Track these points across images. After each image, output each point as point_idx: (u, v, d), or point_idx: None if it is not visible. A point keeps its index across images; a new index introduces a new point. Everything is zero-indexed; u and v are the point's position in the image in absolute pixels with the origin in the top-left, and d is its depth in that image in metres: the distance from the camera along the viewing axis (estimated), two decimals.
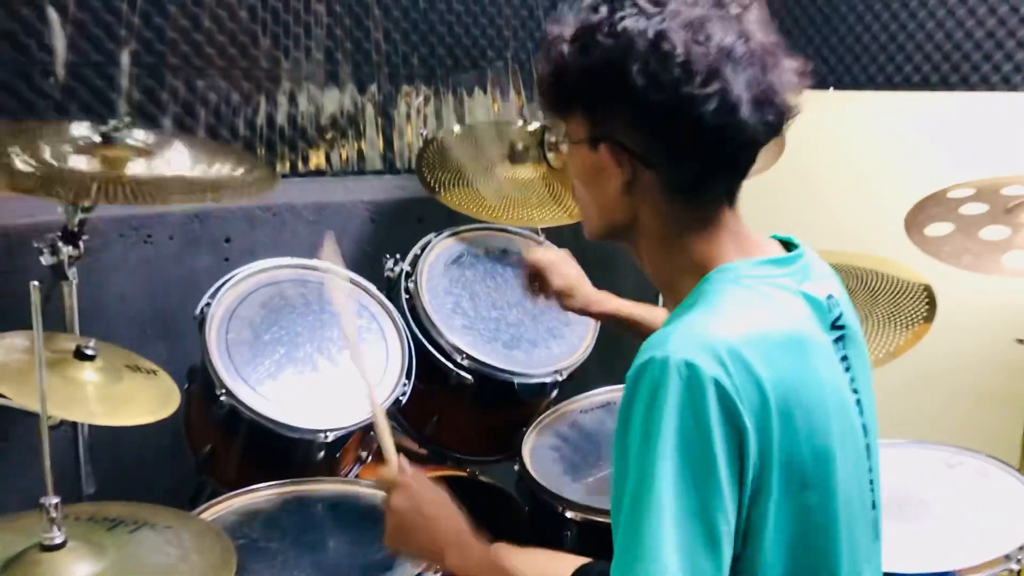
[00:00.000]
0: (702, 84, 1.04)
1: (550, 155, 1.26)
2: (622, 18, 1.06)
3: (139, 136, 1.90)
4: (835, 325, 1.16)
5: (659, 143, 1.10)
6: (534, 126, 2.43)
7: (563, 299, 1.80)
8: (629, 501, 1.01)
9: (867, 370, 1.22)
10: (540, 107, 1.18)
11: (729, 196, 1.16)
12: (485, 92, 2.81)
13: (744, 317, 1.07)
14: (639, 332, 1.73)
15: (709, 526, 0.99)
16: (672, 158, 1.11)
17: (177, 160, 1.91)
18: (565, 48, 1.10)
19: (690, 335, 1.03)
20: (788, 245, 1.22)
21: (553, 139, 1.23)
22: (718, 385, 1.00)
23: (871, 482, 1.20)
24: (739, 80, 1.05)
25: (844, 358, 1.16)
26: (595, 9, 1.09)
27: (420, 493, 1.30)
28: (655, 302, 2.62)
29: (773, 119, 1.10)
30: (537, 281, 1.81)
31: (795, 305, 1.12)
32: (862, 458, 1.18)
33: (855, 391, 1.18)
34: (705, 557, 0.98)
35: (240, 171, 1.93)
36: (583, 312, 1.82)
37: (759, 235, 1.21)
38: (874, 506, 1.21)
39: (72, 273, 1.79)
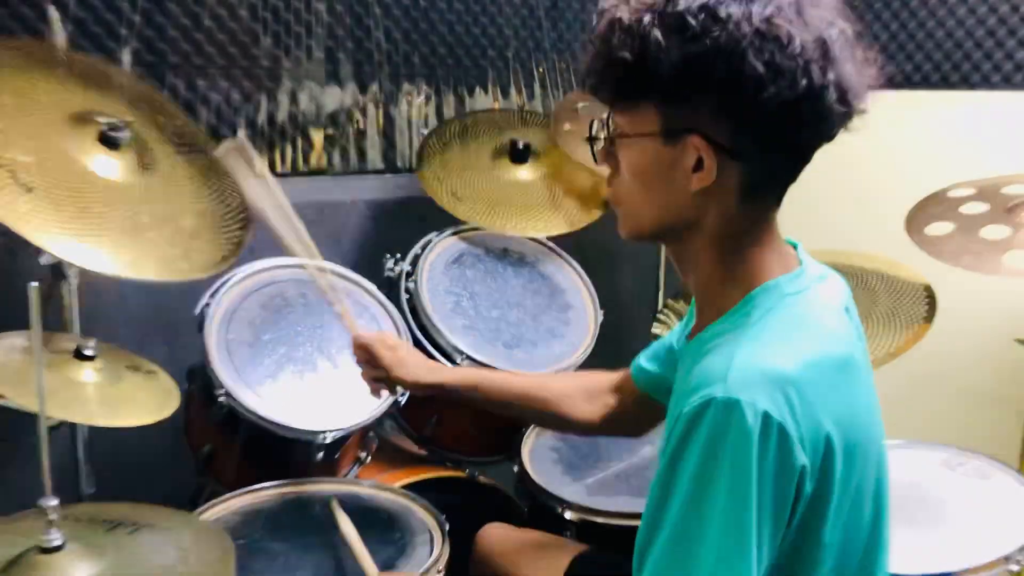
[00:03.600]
0: (820, 74, 0.99)
1: (596, 149, 1.18)
2: (720, 2, 0.99)
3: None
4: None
5: (749, 136, 1.03)
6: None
7: (392, 371, 1.61)
8: (669, 535, 1.00)
9: None
10: (595, 95, 1.11)
11: (780, 200, 1.12)
12: (486, 91, 2.81)
13: (800, 345, 1.03)
14: (488, 399, 1.61)
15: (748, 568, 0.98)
16: (759, 152, 1.04)
17: None
18: (656, 33, 1.00)
19: (751, 372, 0.98)
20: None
21: (603, 132, 1.13)
22: (782, 430, 0.97)
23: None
24: (837, 72, 1.01)
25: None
26: None
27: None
28: (655, 304, 2.59)
29: (852, 114, 1.06)
30: (367, 357, 1.64)
31: (838, 321, 1.10)
32: (884, 465, 1.17)
33: None
34: None
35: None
36: (415, 385, 1.63)
37: None
38: None
39: (72, 273, 1.80)
